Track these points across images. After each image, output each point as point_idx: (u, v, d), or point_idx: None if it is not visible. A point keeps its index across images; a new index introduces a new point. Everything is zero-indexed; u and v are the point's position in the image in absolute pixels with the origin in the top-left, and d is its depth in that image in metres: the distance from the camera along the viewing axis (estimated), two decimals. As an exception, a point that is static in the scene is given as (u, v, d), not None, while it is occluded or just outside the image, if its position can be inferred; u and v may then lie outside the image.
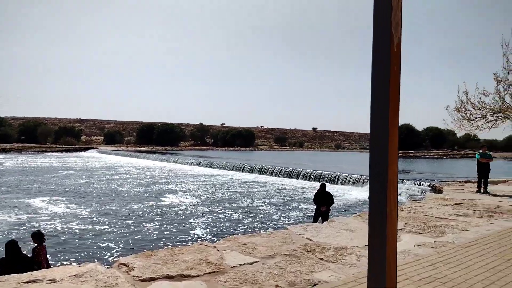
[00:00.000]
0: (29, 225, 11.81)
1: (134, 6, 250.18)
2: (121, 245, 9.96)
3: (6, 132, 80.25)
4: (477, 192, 11.75)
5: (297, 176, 26.85)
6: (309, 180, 25.48)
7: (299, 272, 4.11)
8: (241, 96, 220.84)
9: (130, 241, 10.34)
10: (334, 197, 10.56)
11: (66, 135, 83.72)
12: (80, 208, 14.80)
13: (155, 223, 12.48)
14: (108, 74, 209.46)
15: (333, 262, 4.51)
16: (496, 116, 5.29)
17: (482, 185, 11.86)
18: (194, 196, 18.74)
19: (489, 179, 12.28)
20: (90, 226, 11.84)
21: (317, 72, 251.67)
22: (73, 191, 19.84)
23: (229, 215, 14.16)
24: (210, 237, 10.89)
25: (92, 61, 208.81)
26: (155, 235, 11.02)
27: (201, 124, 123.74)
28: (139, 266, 4.15)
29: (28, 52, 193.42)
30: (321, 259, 4.65)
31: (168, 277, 3.88)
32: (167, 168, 36.74)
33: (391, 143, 1.61)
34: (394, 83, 1.60)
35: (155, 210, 14.67)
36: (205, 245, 5.18)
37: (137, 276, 3.87)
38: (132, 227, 11.84)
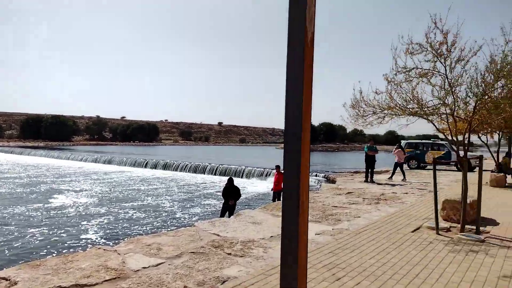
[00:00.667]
0: None
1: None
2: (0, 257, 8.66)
3: None
4: (365, 181, 13.08)
5: (203, 171, 26.65)
6: (215, 174, 25.50)
7: (208, 270, 4.03)
8: (144, 88, 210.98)
9: (11, 251, 9.04)
10: (240, 191, 10.70)
11: None
12: None
13: (42, 228, 11.12)
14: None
15: (241, 256, 4.53)
16: (384, 113, 5.91)
17: (369, 175, 13.25)
18: (88, 196, 17.26)
19: (374, 170, 13.78)
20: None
21: (224, 66, 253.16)
22: None
23: (129, 215, 13.36)
24: (106, 240, 10.13)
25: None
26: (42, 242, 9.81)
27: (98, 117, 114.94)
28: (24, 279, 3.60)
29: None
30: (229, 254, 4.63)
31: (61, 289, 3.44)
32: (58, 165, 33.25)
33: (304, 135, 1.63)
34: (307, 76, 1.63)
35: (41, 214, 13.08)
36: (104, 249, 4.76)
37: (21, 292, 3.35)
38: (13, 234, 10.34)
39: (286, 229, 1.72)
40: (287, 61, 1.59)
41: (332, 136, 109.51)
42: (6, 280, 3.63)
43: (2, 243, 9.62)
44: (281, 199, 2.31)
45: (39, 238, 10.08)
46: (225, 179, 10.85)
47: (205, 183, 22.39)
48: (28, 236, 10.24)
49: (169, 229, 10.67)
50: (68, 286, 3.50)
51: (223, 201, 10.38)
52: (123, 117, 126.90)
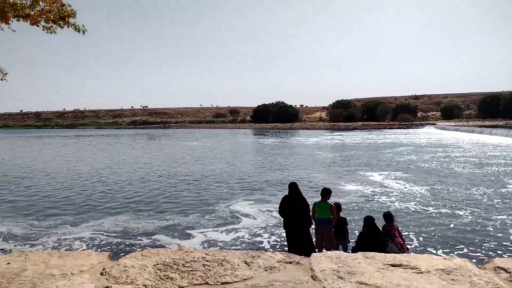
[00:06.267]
0: (373, 199, 12.49)
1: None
2: (463, 239, 8.68)
3: (352, 112, 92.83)
4: None
5: None
6: None
7: None
8: None
9: (472, 236, 8.77)
10: None
11: (403, 112, 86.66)
12: (417, 186, 14.38)
13: (507, 215, 10.11)
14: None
15: None
16: None
17: None
18: None
19: None
20: (429, 209, 11.02)
21: None
22: (406, 167, 19.78)
23: None
24: None
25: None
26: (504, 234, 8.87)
27: None
28: (525, 277, 3.07)
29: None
30: None
31: None
32: (522, 145, 30.19)
33: None
34: None
35: (496, 199, 11.96)
36: None
37: (529, 293, 2.83)
38: (473, 218, 10.03)
39: None
40: None
41: None
42: (506, 271, 3.23)
43: (464, 223, 9.64)
44: None
45: (500, 228, 9.24)
46: None
47: None
48: (492, 225, 9.62)
49: None
50: None
51: None
52: None
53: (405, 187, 14.35)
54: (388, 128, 70.07)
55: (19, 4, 3.71)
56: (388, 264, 3.28)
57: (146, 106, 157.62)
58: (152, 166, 22.11)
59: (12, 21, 3.82)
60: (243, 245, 8.28)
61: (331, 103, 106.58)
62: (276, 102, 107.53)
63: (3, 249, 7.97)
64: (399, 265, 3.27)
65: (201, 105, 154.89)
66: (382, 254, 3.49)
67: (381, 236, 5.72)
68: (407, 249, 6.33)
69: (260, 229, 9.34)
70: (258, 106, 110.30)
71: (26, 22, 3.86)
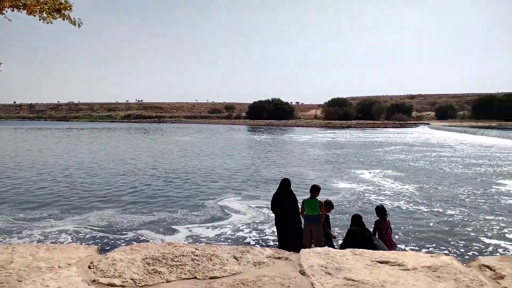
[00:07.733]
0: (364, 197, 12.55)
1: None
2: (450, 237, 8.78)
3: (347, 111, 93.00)
4: None
5: None
6: None
7: None
8: None
9: (459, 235, 8.85)
10: None
11: (398, 111, 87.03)
12: (406, 185, 14.49)
13: (493, 215, 10.24)
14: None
15: None
16: None
17: None
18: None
19: None
20: (417, 208, 11.09)
21: None
22: (395, 166, 19.91)
23: None
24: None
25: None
26: (495, 233, 9.00)
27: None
28: (510, 274, 3.12)
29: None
30: None
31: None
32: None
33: None
34: None
35: (490, 201, 12.10)
36: None
37: (512, 292, 2.88)
38: (460, 217, 10.11)
39: None
40: None
41: None
42: (490, 269, 3.27)
43: (448, 224, 9.72)
44: None
45: (495, 229, 9.37)
46: None
47: None
48: (482, 223, 9.76)
49: None
50: None
51: None
52: None
53: (395, 186, 14.45)
54: (382, 127, 70.27)
55: (15, -6, 3.71)
56: (376, 261, 3.31)
57: (141, 100, 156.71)
58: (140, 161, 22.00)
59: (7, 10, 3.81)
60: (229, 241, 8.22)
61: (327, 101, 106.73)
62: (272, 99, 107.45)
63: (-10, 242, 7.89)
64: (387, 262, 3.30)
65: (196, 100, 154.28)
66: (370, 251, 3.51)
67: (369, 233, 5.79)
68: (395, 245, 6.42)
69: (247, 226, 9.27)
70: (254, 102, 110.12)
71: (21, 12, 3.85)
